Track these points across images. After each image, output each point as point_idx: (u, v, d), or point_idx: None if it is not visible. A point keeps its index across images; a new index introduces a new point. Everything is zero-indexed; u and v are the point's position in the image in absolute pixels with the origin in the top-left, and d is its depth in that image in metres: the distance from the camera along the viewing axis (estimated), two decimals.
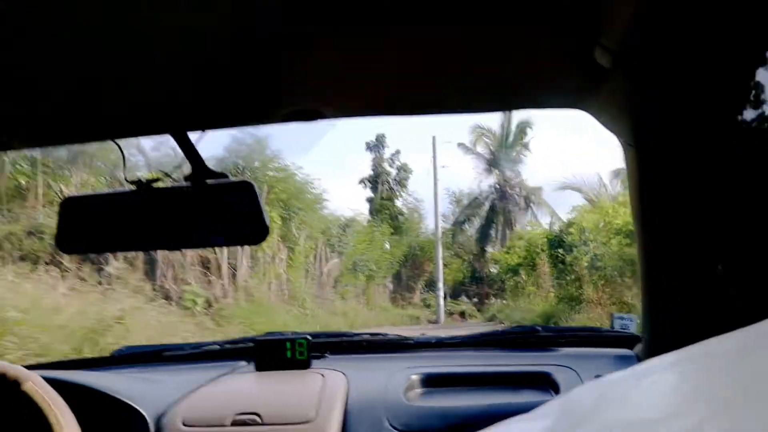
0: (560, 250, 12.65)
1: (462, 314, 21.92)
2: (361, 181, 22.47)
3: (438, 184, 20.70)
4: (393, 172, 22.48)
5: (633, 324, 1.71)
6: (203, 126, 1.01)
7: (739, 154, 0.80)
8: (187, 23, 0.65)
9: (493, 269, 22.04)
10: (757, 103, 0.76)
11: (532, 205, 21.43)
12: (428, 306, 21.73)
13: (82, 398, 1.07)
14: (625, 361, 1.28)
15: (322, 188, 14.11)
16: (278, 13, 0.63)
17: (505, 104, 1.15)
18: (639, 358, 1.21)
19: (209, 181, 1.03)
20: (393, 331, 1.86)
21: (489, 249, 22.63)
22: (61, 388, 0.97)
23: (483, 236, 22.08)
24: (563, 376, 1.25)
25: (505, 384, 1.27)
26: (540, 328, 1.47)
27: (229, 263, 8.99)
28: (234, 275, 9.24)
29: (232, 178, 1.05)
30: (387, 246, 19.27)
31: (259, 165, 11.07)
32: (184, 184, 1.05)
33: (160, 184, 1.05)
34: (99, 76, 0.76)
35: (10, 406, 0.91)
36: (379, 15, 0.64)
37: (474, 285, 23.77)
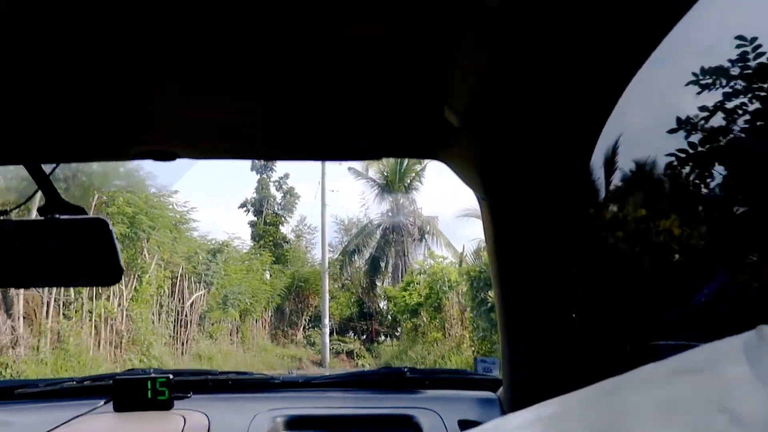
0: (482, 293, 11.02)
1: (350, 354, 20.36)
2: (243, 204, 21.20)
3: (327, 210, 19.56)
4: (279, 195, 21.45)
5: (496, 367, 1.66)
6: (57, 159, 1.01)
7: (580, 204, 0.93)
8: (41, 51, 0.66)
9: (383, 305, 21.25)
10: (586, 153, 0.91)
11: (426, 236, 20.63)
12: (312, 344, 20.52)
13: None
14: (487, 404, 1.34)
15: (188, 205, 12.28)
16: (145, 57, 0.68)
17: (366, 153, 1.19)
18: (501, 401, 1.29)
19: (62, 216, 1.02)
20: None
21: (379, 282, 21.57)
22: None
23: (373, 268, 20.94)
24: (427, 420, 1.28)
25: (369, 427, 1.28)
26: (407, 370, 1.49)
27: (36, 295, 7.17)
28: (40, 313, 7.33)
29: (87, 215, 1.04)
30: (267, 276, 18.13)
31: (98, 168, 8.79)
32: (36, 217, 1.04)
33: (11, 216, 1.00)
34: None
35: None
36: (236, 66, 0.69)
37: (363, 321, 22.51)
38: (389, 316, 20.40)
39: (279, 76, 0.74)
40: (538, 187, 0.90)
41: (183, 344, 10.61)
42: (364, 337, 20.94)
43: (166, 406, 1.30)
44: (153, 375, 1.31)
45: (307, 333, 19.39)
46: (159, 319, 9.79)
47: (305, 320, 19.50)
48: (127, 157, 0.98)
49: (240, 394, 1.45)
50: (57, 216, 1.01)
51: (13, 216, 1.02)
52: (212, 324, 11.72)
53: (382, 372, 1.54)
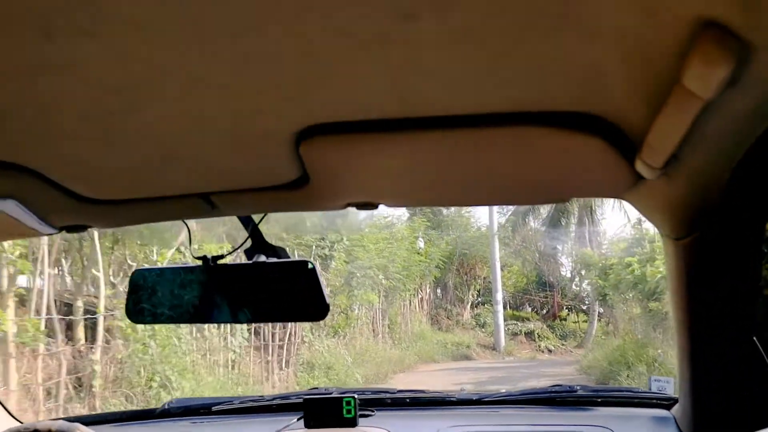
0: None
1: (530, 335, 17.28)
2: None
3: None
4: None
5: (670, 386, 1.72)
6: (265, 210, 1.20)
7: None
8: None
9: (567, 271, 18.21)
10: None
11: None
12: (482, 325, 17.42)
13: None
14: (662, 422, 1.42)
15: None
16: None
17: (554, 197, 1.29)
18: (676, 420, 1.37)
19: (269, 260, 1.20)
20: None
21: (560, 246, 17.99)
22: None
23: (553, 228, 17.22)
24: None
25: None
26: (579, 387, 1.60)
27: None
28: None
29: (292, 258, 1.24)
30: (421, 244, 15.25)
31: None
32: (245, 261, 1.23)
33: (225, 261, 1.20)
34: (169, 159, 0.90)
35: None
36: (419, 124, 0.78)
37: (542, 293, 19.04)
38: (577, 286, 17.93)
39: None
40: (725, 230, 0.98)
41: (271, 354, 8.33)
42: (545, 312, 18.35)
43: (352, 423, 1.48)
44: (338, 395, 1.51)
45: (475, 312, 15.47)
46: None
47: (472, 296, 15.53)
48: (335, 207, 1.12)
49: (417, 412, 1.62)
50: (264, 259, 1.22)
51: (228, 260, 1.22)
52: (333, 316, 8.32)
53: (555, 389, 1.63)
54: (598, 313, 15.49)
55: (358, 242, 10.33)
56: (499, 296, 15.82)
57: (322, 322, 8.59)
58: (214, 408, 1.62)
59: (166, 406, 1.69)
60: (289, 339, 8.39)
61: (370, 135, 0.77)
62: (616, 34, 0.55)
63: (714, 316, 1.05)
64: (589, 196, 1.20)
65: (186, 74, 0.62)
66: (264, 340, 8.03)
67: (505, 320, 15.35)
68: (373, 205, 1.07)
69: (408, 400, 1.63)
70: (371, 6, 0.52)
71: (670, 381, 1.71)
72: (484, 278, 17.03)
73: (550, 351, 16.22)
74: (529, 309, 17.74)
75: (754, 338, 1.05)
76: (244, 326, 7.37)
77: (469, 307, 16.70)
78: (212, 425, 1.56)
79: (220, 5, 0.51)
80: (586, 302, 17.27)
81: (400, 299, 12.67)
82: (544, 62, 0.61)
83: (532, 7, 0.52)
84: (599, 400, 1.55)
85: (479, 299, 17.29)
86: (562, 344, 16.45)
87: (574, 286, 18.13)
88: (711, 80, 0.54)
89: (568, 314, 17.39)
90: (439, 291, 16.81)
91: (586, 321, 16.63)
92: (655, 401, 1.51)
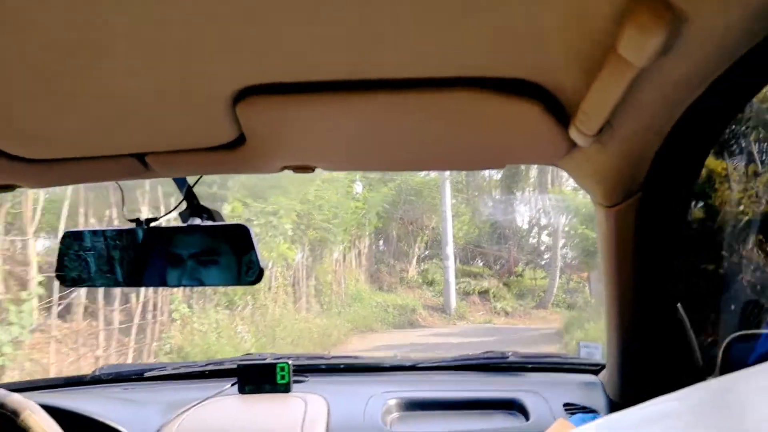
0: None
1: (484, 295, 14.79)
2: None
3: None
4: None
5: (598, 351, 1.82)
6: (201, 173, 1.20)
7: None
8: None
9: (525, 222, 16.34)
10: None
11: None
12: (430, 284, 14.82)
13: (74, 424, 1.22)
14: (590, 388, 1.50)
15: None
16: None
17: (489, 163, 1.27)
18: (603, 385, 1.47)
19: (204, 223, 1.22)
20: None
21: (519, 193, 15.94)
22: (54, 414, 1.10)
23: (510, 173, 15.48)
24: (533, 402, 1.44)
25: (478, 408, 1.48)
26: (510, 354, 1.69)
27: None
28: None
29: (227, 221, 1.25)
30: (358, 189, 12.13)
31: None
32: (180, 224, 1.24)
33: (161, 223, 1.23)
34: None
35: None
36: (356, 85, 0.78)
37: (495, 245, 16.51)
38: (534, 238, 16.25)
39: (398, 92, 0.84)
40: (662, 197, 1.02)
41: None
42: (498, 267, 16.06)
43: (286, 389, 1.53)
44: (273, 360, 1.57)
45: (421, 267, 12.62)
46: None
47: (418, 249, 12.71)
48: (271, 170, 1.14)
49: (351, 377, 1.69)
50: (199, 222, 1.22)
51: (163, 222, 1.23)
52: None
53: (486, 356, 1.74)
54: (560, 268, 14.42)
55: (274, 182, 8.67)
56: (450, 250, 13.55)
57: (208, 290, 7.19)
58: (146, 374, 1.70)
59: (97, 373, 1.75)
60: (149, 315, 5.47)
61: (308, 96, 0.79)
62: (556, 1, 0.59)
63: (642, 284, 1.13)
64: (526, 162, 1.27)
65: (124, 34, 0.64)
66: (96, 319, 5.12)
67: (455, 278, 14.02)
68: (309, 169, 1.10)
69: (342, 366, 1.72)
70: None
71: (599, 347, 1.81)
72: (433, 228, 14.57)
73: (507, 313, 14.27)
74: (481, 264, 16.20)
75: (678, 306, 1.14)
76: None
77: (414, 262, 14.28)
78: (144, 391, 1.63)
79: None
80: (545, 257, 16.15)
81: (329, 254, 9.88)
82: (488, 28, 0.64)
83: None
84: (530, 366, 1.67)
85: (426, 252, 15.83)
86: (520, 305, 14.25)
87: (531, 239, 16.88)
88: (645, 48, 0.57)
89: (524, 270, 16.13)
90: (381, 244, 14.14)
91: (544, 278, 15.42)
92: (583, 367, 1.63)
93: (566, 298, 14.23)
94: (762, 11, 0.54)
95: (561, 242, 14.38)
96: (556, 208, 14.47)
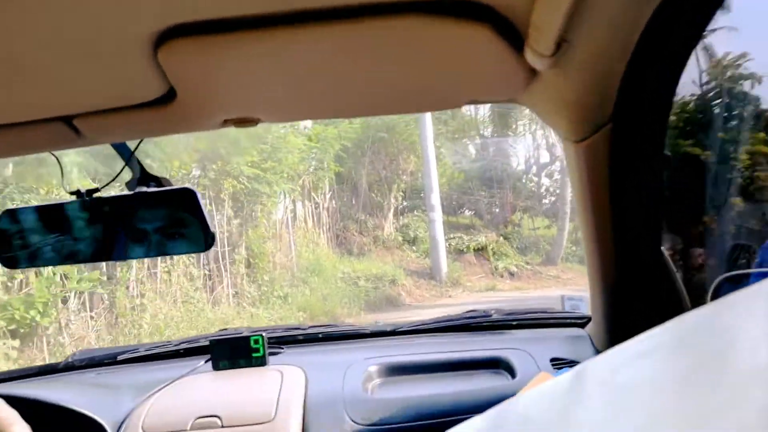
0: None
1: (481, 252, 11.50)
2: None
3: None
4: None
5: (583, 304, 1.77)
6: (143, 134, 1.15)
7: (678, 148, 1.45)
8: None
9: (522, 161, 13.05)
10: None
11: None
12: (412, 242, 11.38)
13: (42, 413, 1.18)
14: (578, 341, 1.48)
15: None
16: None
17: (444, 103, 1.18)
18: (591, 338, 1.45)
19: (150, 189, 1.17)
20: None
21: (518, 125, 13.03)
22: (18, 404, 1.04)
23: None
24: (519, 359, 1.42)
25: (462, 369, 1.45)
26: (493, 312, 1.67)
27: None
28: None
29: (174, 186, 1.20)
30: (307, 123, 9.91)
31: None
32: (125, 192, 1.19)
33: (101, 194, 1.18)
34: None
35: None
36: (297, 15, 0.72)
37: (486, 190, 12.82)
38: (533, 180, 12.88)
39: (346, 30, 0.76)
40: (628, 127, 0.94)
41: None
42: (490, 217, 12.53)
43: (262, 362, 1.51)
44: (247, 333, 1.55)
45: (400, 222, 9.00)
46: None
47: (395, 199, 9.13)
48: (211, 126, 1.07)
49: (330, 346, 1.66)
50: (145, 189, 1.17)
51: (104, 192, 1.19)
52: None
53: (469, 316, 1.70)
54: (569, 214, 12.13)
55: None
56: (436, 198, 11.79)
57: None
58: (119, 357, 1.68)
59: (70, 360, 1.74)
60: None
61: (238, 35, 0.72)
62: None
63: (622, 226, 1.06)
64: (484, 99, 1.14)
65: None
66: None
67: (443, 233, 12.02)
68: (252, 121, 1.04)
69: (320, 336, 1.68)
70: None
71: (583, 299, 1.77)
72: (411, 173, 11.39)
73: (511, 274, 11.21)
74: (470, 213, 13.36)
75: (662, 249, 1.07)
76: None
77: (391, 215, 11.21)
78: (119, 374, 1.61)
79: None
80: (544, 202, 13.32)
81: (265, 213, 6.64)
82: None
83: None
84: (514, 323, 1.65)
85: (405, 204, 12.86)
86: (526, 262, 11.45)
87: (528, 182, 13.85)
88: None
89: (521, 218, 13.23)
90: (346, 195, 10.98)
91: (548, 227, 12.75)
92: (569, 321, 1.62)
93: (576, 250, 12.22)
94: None
95: (568, 183, 11.91)
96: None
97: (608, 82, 0.84)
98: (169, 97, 0.86)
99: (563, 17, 0.63)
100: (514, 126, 14.66)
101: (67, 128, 0.95)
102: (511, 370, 1.36)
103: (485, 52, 0.77)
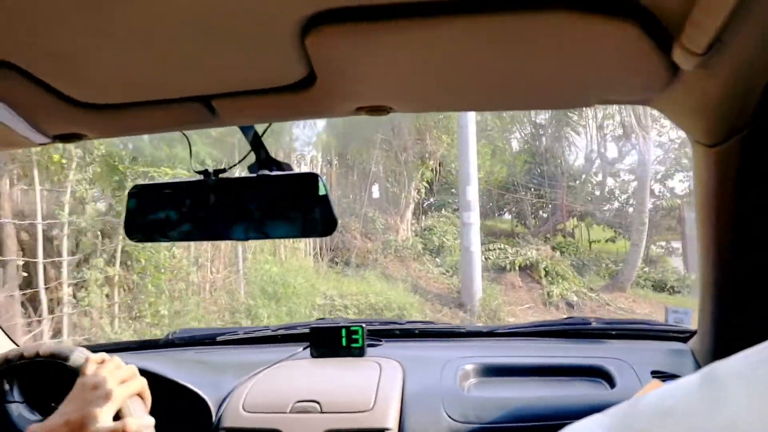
0: None
1: (529, 270, 9.04)
2: None
3: None
4: None
5: (688, 317, 1.71)
6: (270, 118, 1.20)
7: None
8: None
9: (577, 158, 10.94)
10: None
11: None
12: (435, 252, 8.56)
13: (148, 383, 1.27)
14: (680, 355, 1.51)
15: None
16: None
17: (577, 101, 1.15)
18: (693, 353, 1.51)
19: (274, 173, 1.23)
20: None
21: (575, 114, 10.50)
22: None
23: None
24: (619, 370, 1.45)
25: (559, 375, 1.51)
26: (593, 320, 1.74)
27: None
28: None
29: (297, 170, 1.27)
30: None
31: None
32: (249, 174, 1.25)
33: (226, 175, 1.27)
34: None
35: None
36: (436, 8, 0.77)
37: (533, 190, 10.29)
38: (593, 181, 10.44)
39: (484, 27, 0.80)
40: None
41: None
42: (536, 222, 10.07)
43: (360, 353, 1.64)
44: (347, 324, 1.71)
45: (422, 224, 5.21)
46: None
47: (416, 192, 5.42)
48: (344, 113, 1.11)
49: (427, 343, 1.78)
50: (267, 172, 1.25)
51: (229, 174, 1.29)
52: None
53: (568, 322, 1.80)
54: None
55: None
56: (473, 192, 8.10)
57: None
58: (218, 338, 1.81)
59: (170, 337, 1.88)
60: None
61: (383, 23, 0.76)
62: None
63: (745, 238, 1.03)
64: (617, 100, 1.15)
65: None
66: None
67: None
68: (384, 110, 1.07)
69: (417, 332, 1.78)
70: None
71: (688, 312, 1.80)
72: (441, 158, 8.60)
73: (570, 305, 8.55)
74: (509, 216, 10.73)
75: None
76: None
77: (410, 214, 8.33)
78: (217, 354, 1.74)
79: None
80: (605, 208, 10.16)
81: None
82: None
83: None
84: (614, 333, 1.70)
85: (432, 200, 9.78)
86: (590, 288, 8.40)
87: (586, 181, 10.59)
88: None
89: (575, 226, 10.29)
90: (349, 181, 8.20)
91: (611, 240, 9.99)
92: (671, 334, 1.66)
93: (650, 271, 9.70)
94: None
95: (648, 188, 10.00)
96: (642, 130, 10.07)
97: (752, 87, 0.84)
98: (308, 81, 0.91)
99: (725, 16, 0.64)
100: (574, 112, 11.93)
101: (205, 108, 1.02)
102: (610, 380, 1.41)
103: (630, 51, 0.78)
